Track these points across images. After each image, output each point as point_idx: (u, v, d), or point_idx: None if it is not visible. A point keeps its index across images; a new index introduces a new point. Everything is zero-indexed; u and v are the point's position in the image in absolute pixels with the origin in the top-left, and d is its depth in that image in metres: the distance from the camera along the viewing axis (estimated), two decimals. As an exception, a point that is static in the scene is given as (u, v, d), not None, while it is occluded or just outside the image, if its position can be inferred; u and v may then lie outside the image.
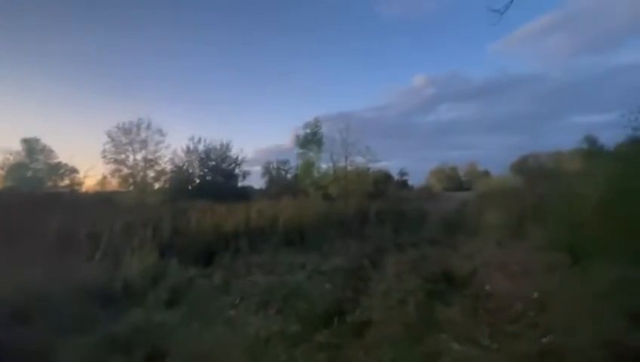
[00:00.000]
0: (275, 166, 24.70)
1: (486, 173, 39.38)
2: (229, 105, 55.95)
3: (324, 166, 14.78)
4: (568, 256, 3.76)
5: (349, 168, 13.97)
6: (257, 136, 59.38)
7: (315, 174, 13.90)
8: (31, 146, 21.06)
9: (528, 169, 22.29)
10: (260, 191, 22.91)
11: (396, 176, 37.85)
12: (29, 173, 20.69)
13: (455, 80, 56.28)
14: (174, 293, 4.07)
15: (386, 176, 29.35)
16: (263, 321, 3.17)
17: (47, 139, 22.06)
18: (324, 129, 14.88)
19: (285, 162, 23.41)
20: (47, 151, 21.69)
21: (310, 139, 14.23)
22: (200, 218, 6.80)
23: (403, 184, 36.67)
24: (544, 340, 2.37)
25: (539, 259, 3.94)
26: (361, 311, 3.43)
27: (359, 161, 14.18)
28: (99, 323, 3.19)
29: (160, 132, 17.56)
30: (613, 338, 2.15)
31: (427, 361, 2.32)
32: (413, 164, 55.38)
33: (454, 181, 43.99)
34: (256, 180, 26.36)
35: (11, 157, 20.69)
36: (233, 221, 6.64)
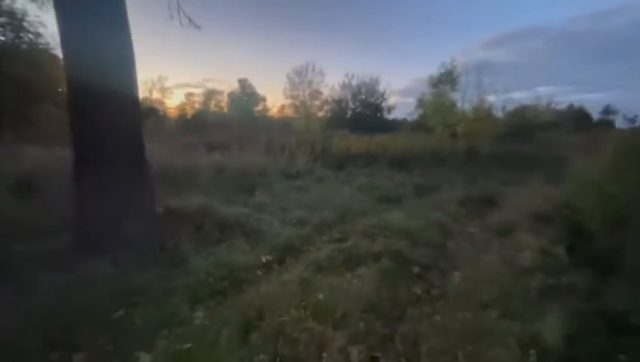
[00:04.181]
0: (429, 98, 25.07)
1: None
2: (389, 32, 55.64)
3: (459, 105, 15.24)
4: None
5: (480, 108, 14.02)
6: (417, 63, 57.36)
7: (444, 113, 14.63)
8: (243, 84, 30.40)
9: None
10: (405, 123, 24.74)
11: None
12: (242, 103, 30.22)
13: None
14: (319, 179, 7.83)
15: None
16: (357, 196, 6.37)
17: (251, 78, 31.17)
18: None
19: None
20: (251, 87, 30.71)
21: (443, 79, 14.78)
22: (338, 142, 10.32)
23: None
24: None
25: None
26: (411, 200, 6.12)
27: (491, 100, 14.13)
28: (285, 181, 7.25)
29: (321, 72, 21.80)
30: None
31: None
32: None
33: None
34: (406, 111, 27.70)
35: (233, 91, 30.68)
36: (358, 147, 9.83)
